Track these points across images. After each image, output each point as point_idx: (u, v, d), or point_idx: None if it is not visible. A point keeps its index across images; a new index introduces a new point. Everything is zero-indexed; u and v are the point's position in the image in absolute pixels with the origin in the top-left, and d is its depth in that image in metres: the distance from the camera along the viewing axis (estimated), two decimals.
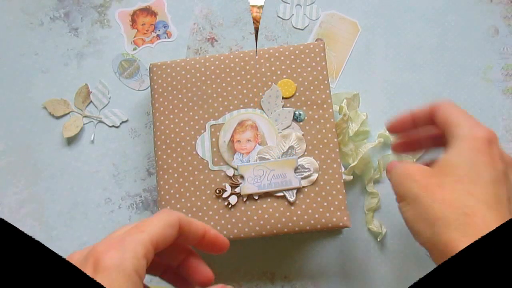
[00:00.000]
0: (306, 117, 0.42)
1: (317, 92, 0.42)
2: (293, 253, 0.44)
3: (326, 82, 0.42)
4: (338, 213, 0.40)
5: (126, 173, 0.47)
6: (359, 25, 0.49)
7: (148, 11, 0.51)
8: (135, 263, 0.23)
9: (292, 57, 0.43)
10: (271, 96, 0.42)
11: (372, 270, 0.43)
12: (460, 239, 0.26)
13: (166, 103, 0.43)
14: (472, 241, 0.24)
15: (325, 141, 0.41)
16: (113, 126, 0.48)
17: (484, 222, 0.26)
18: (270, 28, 0.49)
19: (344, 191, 0.40)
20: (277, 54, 0.43)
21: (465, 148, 0.29)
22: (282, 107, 0.42)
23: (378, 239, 0.43)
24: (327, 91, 0.42)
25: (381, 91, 0.47)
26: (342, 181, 0.40)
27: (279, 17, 0.50)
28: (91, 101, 0.49)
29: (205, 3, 0.51)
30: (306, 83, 0.42)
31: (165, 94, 0.43)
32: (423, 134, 0.36)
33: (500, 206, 0.27)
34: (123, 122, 0.48)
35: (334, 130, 0.41)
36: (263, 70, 0.43)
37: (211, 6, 0.51)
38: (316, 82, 0.42)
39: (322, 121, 0.42)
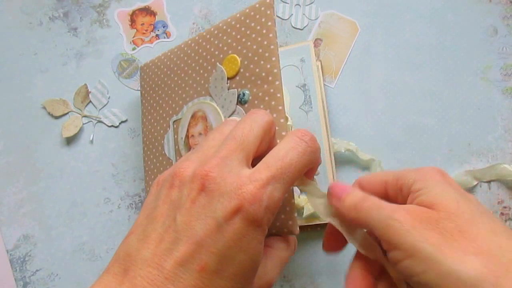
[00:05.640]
0: (250, 97, 0.33)
1: (262, 62, 0.33)
2: None
3: (272, 47, 0.32)
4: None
5: (125, 173, 0.47)
6: (358, 25, 0.49)
7: (147, 11, 0.51)
8: None
9: (238, 25, 0.35)
10: (216, 79, 0.35)
11: None
12: None
13: (146, 104, 0.42)
14: None
15: None
16: (112, 126, 0.48)
17: None
18: None
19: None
20: (224, 27, 0.36)
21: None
22: (228, 89, 0.34)
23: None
24: (273, 59, 0.32)
25: (380, 91, 0.47)
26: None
27: (278, 17, 0.50)
28: (90, 101, 0.49)
29: (204, 3, 0.51)
30: (250, 54, 0.34)
31: (146, 95, 0.42)
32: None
33: None
34: (122, 122, 0.48)
35: (280, 107, 0.32)
36: (212, 49, 0.36)
37: (210, 6, 0.51)
38: (260, 51, 0.33)
39: (266, 98, 0.32)
